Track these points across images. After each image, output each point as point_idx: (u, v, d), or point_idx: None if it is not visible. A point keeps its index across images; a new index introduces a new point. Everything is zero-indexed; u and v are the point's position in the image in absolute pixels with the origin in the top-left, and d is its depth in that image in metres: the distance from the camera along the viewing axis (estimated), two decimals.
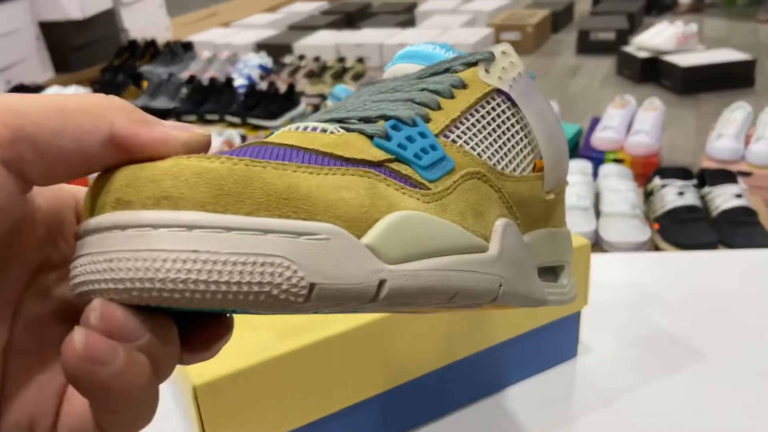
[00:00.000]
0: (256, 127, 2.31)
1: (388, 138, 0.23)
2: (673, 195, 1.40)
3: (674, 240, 1.33)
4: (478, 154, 0.25)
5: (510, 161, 0.27)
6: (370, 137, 0.23)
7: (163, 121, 0.20)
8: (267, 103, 2.37)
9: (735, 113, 1.93)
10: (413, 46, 0.28)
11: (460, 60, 0.27)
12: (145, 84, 2.76)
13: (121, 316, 0.18)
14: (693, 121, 2.58)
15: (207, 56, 3.12)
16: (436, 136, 0.24)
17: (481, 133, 0.26)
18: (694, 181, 1.46)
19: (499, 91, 0.27)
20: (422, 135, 0.23)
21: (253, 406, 0.44)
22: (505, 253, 0.24)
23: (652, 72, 3.01)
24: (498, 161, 0.26)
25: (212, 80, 2.57)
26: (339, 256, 0.19)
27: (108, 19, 3.69)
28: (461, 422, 0.53)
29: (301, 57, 3.03)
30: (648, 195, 1.50)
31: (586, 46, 3.59)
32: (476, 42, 3.54)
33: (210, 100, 2.47)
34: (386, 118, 0.23)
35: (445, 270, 0.21)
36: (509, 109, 0.27)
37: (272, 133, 0.24)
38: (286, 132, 0.23)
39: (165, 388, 0.59)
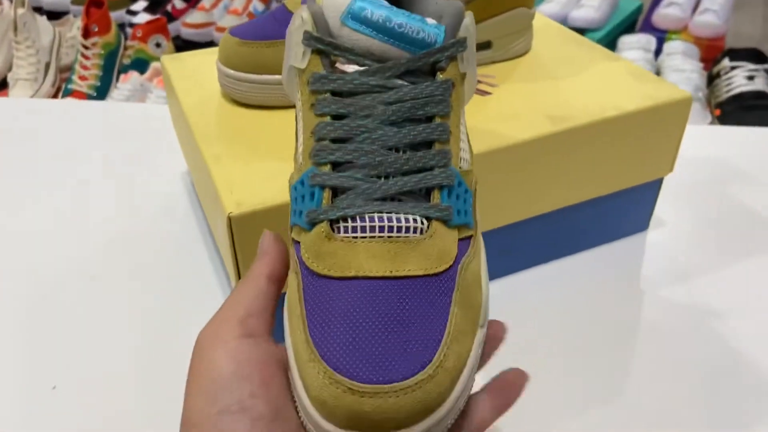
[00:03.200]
0: None
1: (452, 215, 0.24)
2: (741, 78, 1.28)
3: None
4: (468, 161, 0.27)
5: None
6: (445, 221, 0.24)
7: None
8: None
9: None
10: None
11: (443, 52, 0.25)
12: None
13: None
14: (761, 7, 2.36)
15: None
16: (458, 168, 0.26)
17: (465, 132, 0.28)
18: (767, 66, 1.33)
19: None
20: (465, 191, 0.26)
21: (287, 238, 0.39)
22: None
23: None
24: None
25: None
26: None
27: None
28: (524, 283, 0.49)
29: None
30: (713, 78, 1.38)
31: None
32: None
33: None
34: (440, 187, 0.25)
35: None
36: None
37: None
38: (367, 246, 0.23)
39: (198, 217, 0.54)
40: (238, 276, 0.38)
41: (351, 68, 0.25)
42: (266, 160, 0.40)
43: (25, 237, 0.54)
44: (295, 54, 0.26)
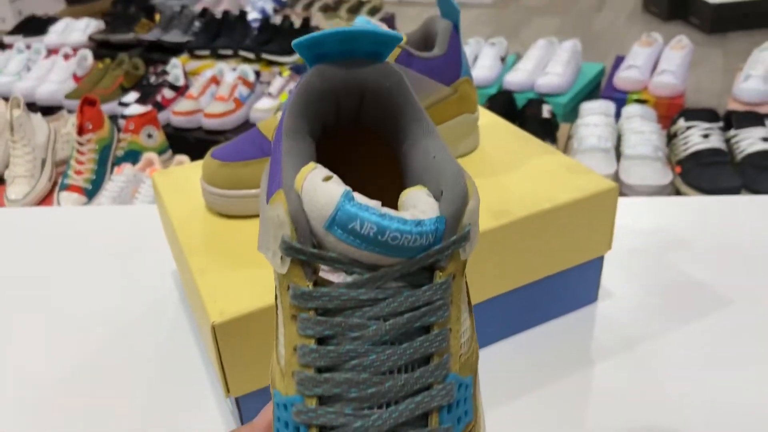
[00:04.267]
0: (270, 63, 2.26)
1: None
2: (697, 137, 1.37)
3: (697, 184, 1.31)
4: None
5: None
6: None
7: None
8: (281, 37, 2.31)
9: (765, 53, 1.86)
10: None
11: (443, 252, 0.23)
12: (157, 17, 2.70)
13: None
14: (720, 61, 2.49)
15: None
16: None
17: None
18: (720, 124, 1.42)
19: None
20: (466, 388, 0.24)
21: (271, 343, 0.44)
22: None
23: (680, 9, 2.90)
24: None
25: (225, 13, 2.51)
26: None
27: None
28: (483, 360, 0.54)
29: None
30: (671, 137, 1.47)
31: None
32: None
33: (223, 34, 2.42)
34: (438, 409, 0.23)
35: None
36: None
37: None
38: None
39: (186, 326, 0.60)
40: (226, 381, 0.43)
41: (337, 276, 0.23)
42: (247, 268, 0.45)
43: (15, 338, 0.59)
44: (273, 253, 0.24)
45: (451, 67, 0.55)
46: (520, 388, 0.51)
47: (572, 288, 0.57)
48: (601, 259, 0.57)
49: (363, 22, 0.53)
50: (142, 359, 0.56)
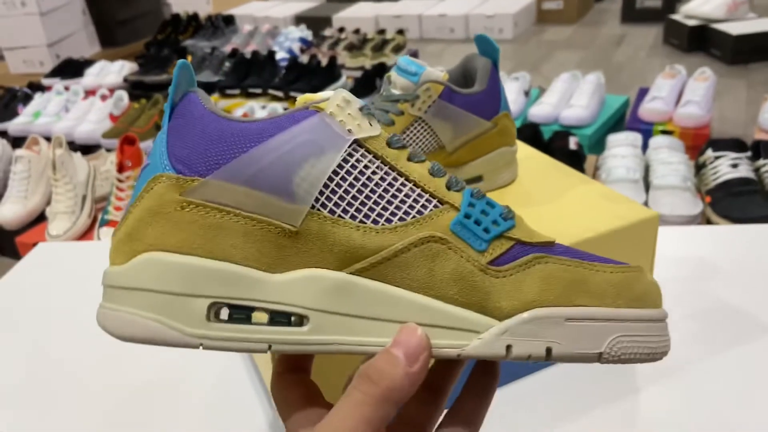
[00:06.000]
0: None
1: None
2: (726, 167, 1.38)
3: (727, 213, 1.31)
4: None
5: None
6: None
7: (382, 363, 0.27)
8: (309, 76, 2.38)
9: None
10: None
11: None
12: (189, 58, 2.79)
13: None
14: (743, 92, 2.50)
15: (248, 29, 3.13)
16: None
17: None
18: (749, 153, 1.43)
19: None
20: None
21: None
22: None
23: (700, 41, 2.92)
24: None
25: (254, 53, 2.59)
26: None
27: None
28: (519, 391, 0.55)
29: (341, 29, 3.03)
30: (700, 167, 1.47)
31: (632, 14, 3.49)
32: (517, 11, 3.48)
33: (253, 73, 2.49)
34: None
35: None
36: None
37: None
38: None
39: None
40: None
41: None
42: None
43: (60, 369, 0.62)
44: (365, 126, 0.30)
45: (491, 102, 0.57)
46: (563, 415, 0.52)
47: None
48: None
49: (406, 62, 0.56)
50: (195, 386, 0.58)
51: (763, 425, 0.49)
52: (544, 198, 0.58)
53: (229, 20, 3.33)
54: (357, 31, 2.96)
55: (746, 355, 0.56)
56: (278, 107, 2.03)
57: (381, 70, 2.38)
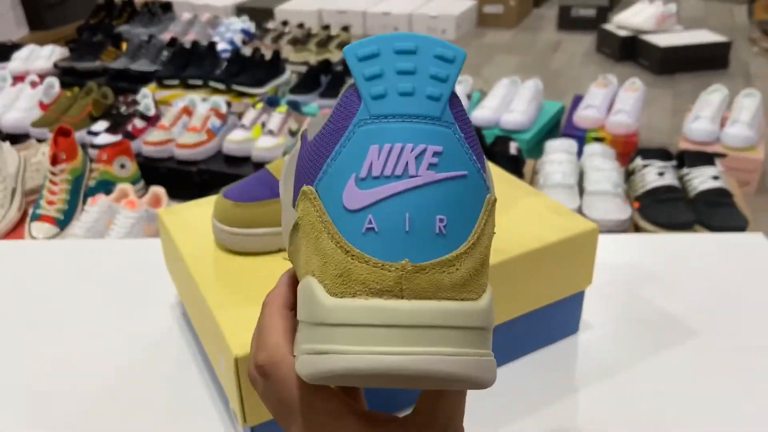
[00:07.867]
0: (241, 94, 2.29)
1: None
2: (653, 175, 1.46)
3: (653, 219, 1.39)
4: None
5: None
6: None
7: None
8: (252, 69, 2.35)
9: (712, 96, 2.00)
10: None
11: None
12: (124, 45, 2.70)
13: None
14: (669, 101, 2.65)
15: (187, 18, 3.05)
16: None
17: None
18: (674, 162, 1.52)
19: None
20: None
21: None
22: None
23: (630, 51, 3.06)
24: None
25: (194, 44, 2.53)
26: None
27: None
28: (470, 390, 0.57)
29: (285, 23, 3.00)
30: (629, 174, 1.55)
31: (567, 22, 3.62)
32: (460, 13, 3.54)
33: (192, 64, 2.44)
34: None
35: None
36: None
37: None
38: None
39: (189, 359, 0.61)
40: (243, 411, 0.46)
41: None
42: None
43: (19, 373, 0.60)
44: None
45: None
46: (507, 416, 0.55)
47: (556, 320, 0.62)
48: (582, 293, 0.62)
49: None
50: (149, 392, 0.58)
51: (690, 420, 0.54)
52: (496, 209, 0.60)
53: (167, 7, 3.24)
54: (301, 26, 2.93)
55: (678, 355, 0.61)
56: (220, 101, 1.99)
57: (326, 66, 2.37)
